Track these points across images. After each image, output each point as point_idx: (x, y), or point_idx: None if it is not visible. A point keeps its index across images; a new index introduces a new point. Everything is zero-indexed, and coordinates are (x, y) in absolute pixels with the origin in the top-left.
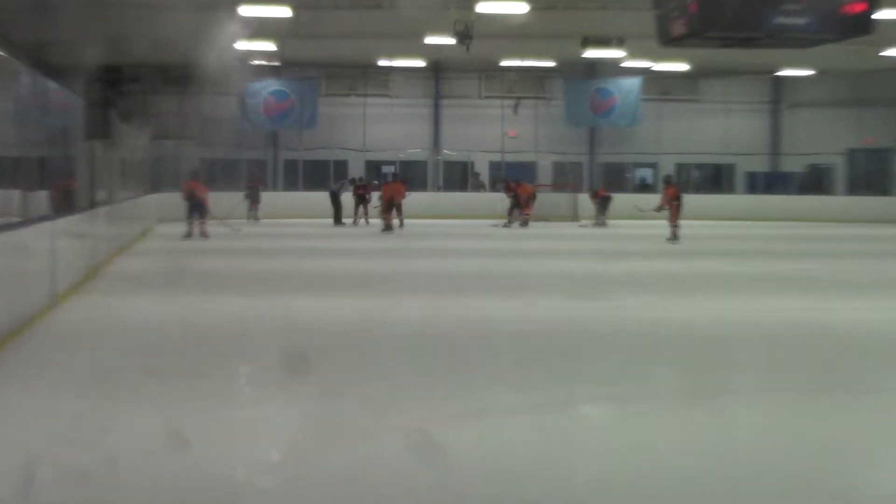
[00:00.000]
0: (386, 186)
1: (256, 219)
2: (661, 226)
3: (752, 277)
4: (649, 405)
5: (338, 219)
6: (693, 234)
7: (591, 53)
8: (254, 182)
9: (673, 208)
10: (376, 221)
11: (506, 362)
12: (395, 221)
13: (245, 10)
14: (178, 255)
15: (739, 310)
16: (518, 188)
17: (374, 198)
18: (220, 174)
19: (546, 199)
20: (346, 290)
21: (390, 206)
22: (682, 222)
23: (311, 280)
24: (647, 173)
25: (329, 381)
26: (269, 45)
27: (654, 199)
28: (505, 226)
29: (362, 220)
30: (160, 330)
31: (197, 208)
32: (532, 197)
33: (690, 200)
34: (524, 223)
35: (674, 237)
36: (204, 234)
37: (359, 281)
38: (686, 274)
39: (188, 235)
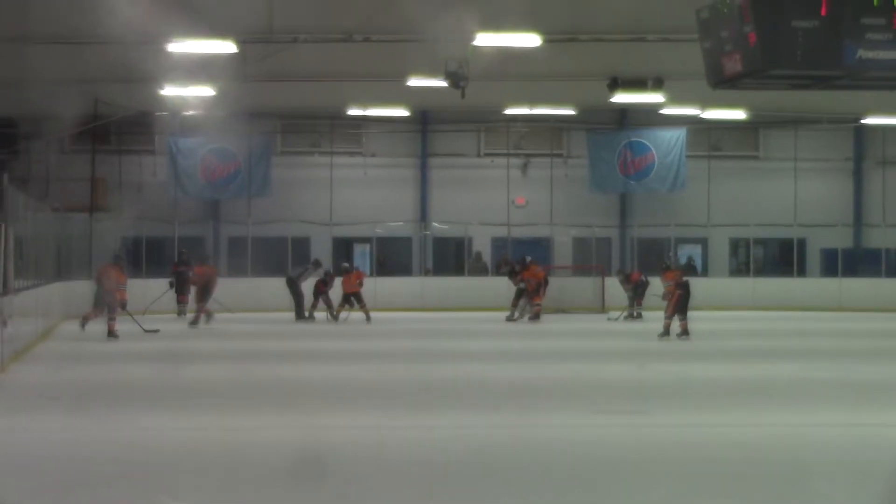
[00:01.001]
0: (344, 280)
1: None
2: (712, 317)
3: (833, 384)
4: None
5: (299, 312)
6: (757, 328)
7: (621, 98)
8: (182, 266)
9: (673, 299)
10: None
11: (516, 501)
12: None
13: (176, 47)
14: (89, 361)
15: (817, 426)
16: (525, 273)
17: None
18: (147, 256)
19: (565, 284)
20: (310, 405)
21: (346, 299)
22: (739, 314)
23: (264, 392)
24: (694, 251)
25: None
26: (208, 91)
27: (700, 283)
28: (509, 319)
29: (325, 315)
30: (71, 460)
31: (102, 299)
32: (543, 282)
33: (750, 285)
34: (535, 316)
35: (683, 332)
36: (111, 332)
37: (325, 394)
38: (751, 380)
39: (82, 328)
